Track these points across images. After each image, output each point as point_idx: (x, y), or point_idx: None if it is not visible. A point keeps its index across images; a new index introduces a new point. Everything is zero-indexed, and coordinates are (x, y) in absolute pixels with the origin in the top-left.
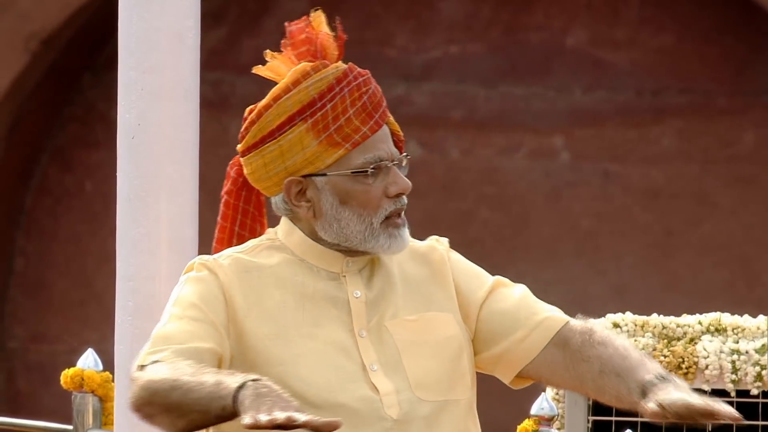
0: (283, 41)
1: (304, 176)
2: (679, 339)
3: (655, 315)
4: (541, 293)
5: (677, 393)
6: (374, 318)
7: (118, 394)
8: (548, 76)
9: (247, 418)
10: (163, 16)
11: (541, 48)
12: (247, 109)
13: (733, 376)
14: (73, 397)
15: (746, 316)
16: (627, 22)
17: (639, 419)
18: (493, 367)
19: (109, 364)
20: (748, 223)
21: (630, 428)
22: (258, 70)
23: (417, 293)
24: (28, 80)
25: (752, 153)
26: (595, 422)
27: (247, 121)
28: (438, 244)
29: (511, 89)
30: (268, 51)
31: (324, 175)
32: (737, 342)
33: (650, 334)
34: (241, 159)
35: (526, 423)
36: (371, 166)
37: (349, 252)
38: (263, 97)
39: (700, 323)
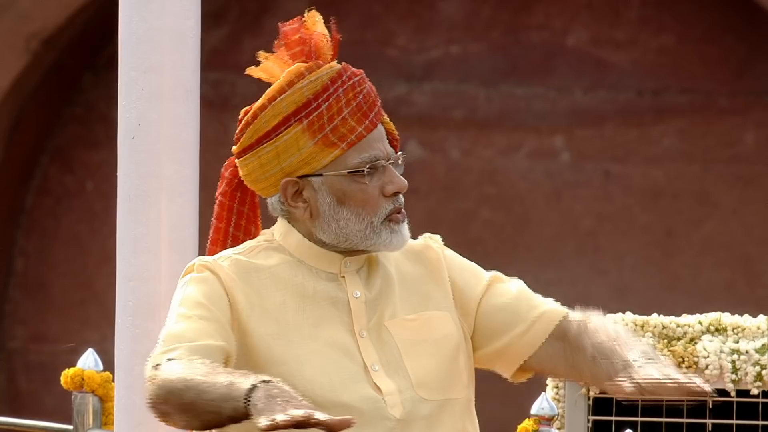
0: (276, 42)
1: (301, 177)
2: (679, 339)
3: (655, 315)
4: (541, 293)
5: (651, 370)
6: (373, 318)
7: (118, 394)
8: (549, 76)
9: (264, 421)
10: (164, 15)
11: (542, 48)
12: (242, 111)
13: (733, 376)
14: (73, 397)
15: (746, 316)
16: (628, 22)
17: (639, 419)
18: (494, 362)
19: (109, 364)
20: (749, 223)
21: (630, 428)
22: (252, 71)
23: (414, 292)
24: (29, 80)
25: (753, 153)
26: (595, 422)
27: (242, 123)
28: (432, 241)
29: (511, 89)
30: (261, 52)
31: (320, 175)
32: (737, 342)
33: (650, 334)
34: (237, 161)
35: (526, 423)
36: (367, 166)
37: (347, 252)
38: None
39: (700, 323)
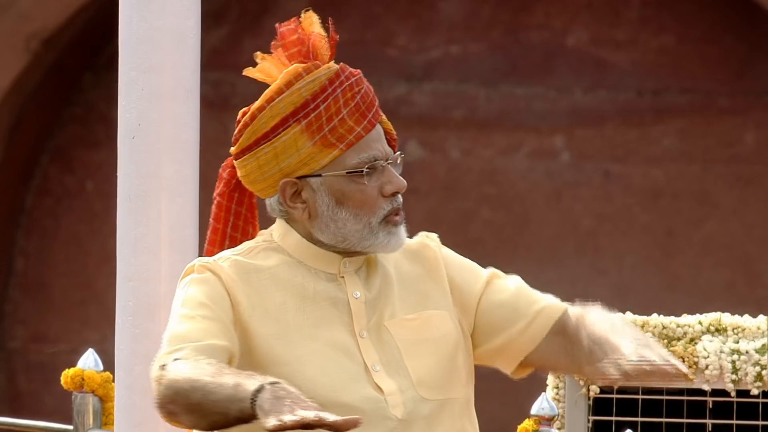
0: (273, 42)
1: (299, 177)
2: (679, 339)
3: (655, 315)
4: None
5: (633, 355)
6: (373, 318)
7: (118, 394)
8: (549, 76)
9: (272, 421)
10: (164, 15)
11: (542, 48)
12: (240, 112)
13: (734, 376)
14: (73, 397)
15: (746, 316)
16: (628, 22)
17: (639, 419)
18: (495, 358)
19: (109, 364)
20: (749, 223)
21: (630, 428)
22: (249, 72)
23: (413, 292)
24: (29, 80)
25: (753, 153)
26: (595, 422)
27: (240, 124)
28: (429, 240)
29: (512, 89)
30: (258, 53)
31: (319, 176)
32: (737, 342)
33: (650, 334)
34: (235, 161)
35: (526, 423)
36: (366, 166)
37: (346, 253)
38: None
39: (700, 323)
